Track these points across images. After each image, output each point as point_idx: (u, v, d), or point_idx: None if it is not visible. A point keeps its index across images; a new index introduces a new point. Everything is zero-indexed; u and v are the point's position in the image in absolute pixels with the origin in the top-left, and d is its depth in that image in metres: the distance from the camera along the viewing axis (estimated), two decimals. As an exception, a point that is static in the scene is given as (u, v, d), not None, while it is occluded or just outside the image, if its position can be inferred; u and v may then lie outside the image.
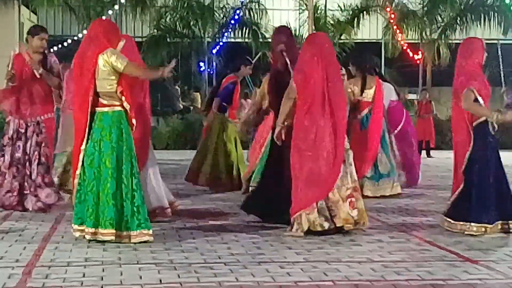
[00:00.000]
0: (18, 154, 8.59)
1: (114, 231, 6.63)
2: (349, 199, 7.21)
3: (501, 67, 24.28)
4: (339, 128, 7.21)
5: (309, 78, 7.21)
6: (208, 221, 8.07)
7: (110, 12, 22.08)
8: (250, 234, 7.31)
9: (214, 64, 23.23)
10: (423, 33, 24.20)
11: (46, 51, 8.80)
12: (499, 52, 25.26)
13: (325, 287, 5.24)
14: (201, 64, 22.70)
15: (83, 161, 6.78)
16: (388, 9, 22.88)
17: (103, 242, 6.62)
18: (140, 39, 23.72)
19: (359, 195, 7.38)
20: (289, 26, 22.34)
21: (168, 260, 6.09)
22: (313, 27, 17.20)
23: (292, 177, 7.21)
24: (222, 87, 10.78)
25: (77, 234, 6.79)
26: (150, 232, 6.77)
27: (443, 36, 24.39)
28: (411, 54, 24.90)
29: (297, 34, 21.74)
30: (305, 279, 5.47)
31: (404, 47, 24.46)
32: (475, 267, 5.94)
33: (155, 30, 22.75)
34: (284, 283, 5.34)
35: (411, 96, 26.65)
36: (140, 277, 5.47)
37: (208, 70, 22.83)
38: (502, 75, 24.02)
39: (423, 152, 19.05)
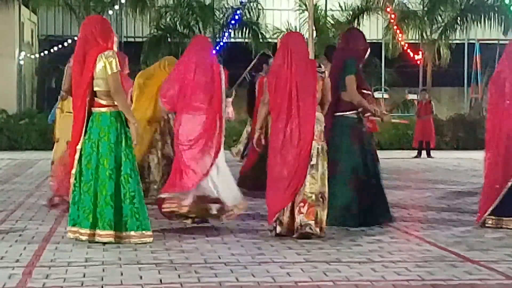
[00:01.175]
0: None
1: (113, 232, 6.63)
2: (300, 204, 6.94)
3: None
4: (305, 131, 6.97)
5: (278, 81, 7.13)
6: (208, 221, 8.05)
7: (110, 12, 22.09)
8: (250, 234, 7.31)
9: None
10: (423, 33, 24.20)
11: None
12: (499, 52, 25.26)
13: (325, 287, 5.24)
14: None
15: (79, 161, 6.78)
16: (388, 9, 22.89)
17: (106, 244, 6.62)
18: (140, 39, 23.74)
19: (319, 204, 7.00)
20: (289, 26, 22.41)
21: (168, 260, 6.09)
22: (313, 28, 17.15)
23: (267, 179, 7.17)
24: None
25: (71, 235, 6.76)
26: (150, 232, 6.77)
27: (443, 36, 24.39)
28: (411, 55, 24.92)
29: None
30: (305, 279, 5.46)
31: (405, 48, 24.47)
32: (476, 267, 5.93)
33: (156, 30, 22.76)
34: (284, 283, 5.34)
35: (411, 96, 26.66)
36: (141, 277, 5.47)
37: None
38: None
39: (423, 152, 19.10)
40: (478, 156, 14.94)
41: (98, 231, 6.65)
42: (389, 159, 16.60)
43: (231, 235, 7.26)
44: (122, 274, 5.59)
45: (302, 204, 6.95)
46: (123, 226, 6.68)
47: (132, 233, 6.69)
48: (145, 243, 6.68)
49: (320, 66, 7.28)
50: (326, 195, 7.11)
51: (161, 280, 5.39)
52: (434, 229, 7.72)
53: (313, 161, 7.01)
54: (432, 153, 19.05)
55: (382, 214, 7.93)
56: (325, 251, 6.48)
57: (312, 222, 6.95)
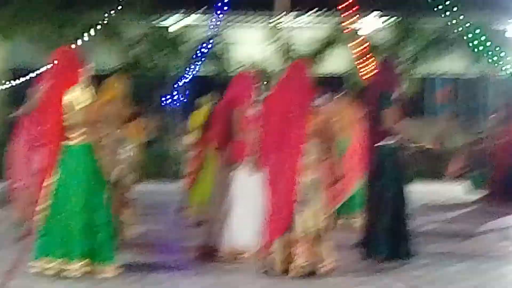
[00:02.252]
0: None
1: (83, 264, 6.62)
2: (299, 243, 6.80)
3: (465, 100, 24.57)
4: (289, 166, 6.85)
5: (269, 110, 7.10)
6: (171, 255, 8.03)
7: (79, 42, 22.02)
8: (213, 268, 7.28)
9: (178, 98, 23.23)
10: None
11: None
12: (461, 86, 25.55)
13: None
14: (165, 97, 22.70)
15: (52, 194, 6.74)
16: (354, 42, 23.09)
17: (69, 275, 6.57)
18: (106, 72, 23.67)
19: (317, 241, 6.85)
20: (256, 60, 22.53)
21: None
22: (280, 60, 17.28)
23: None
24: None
25: (36, 269, 6.70)
26: (116, 266, 6.73)
27: (407, 70, 24.60)
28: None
29: (263, 68, 21.85)
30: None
31: (369, 81, 24.69)
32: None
33: (121, 63, 22.74)
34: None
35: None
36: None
37: (173, 103, 22.81)
38: (466, 108, 24.30)
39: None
40: (437, 188, 15.12)
41: (68, 263, 6.64)
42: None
43: (191, 269, 7.23)
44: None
45: (296, 243, 6.78)
46: (92, 258, 6.67)
47: (101, 265, 6.68)
48: (110, 276, 6.64)
49: (315, 101, 7.09)
50: (327, 230, 6.91)
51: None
52: (399, 263, 7.73)
53: (301, 197, 6.83)
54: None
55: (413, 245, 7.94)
56: (286, 285, 6.49)
57: (306, 263, 6.78)
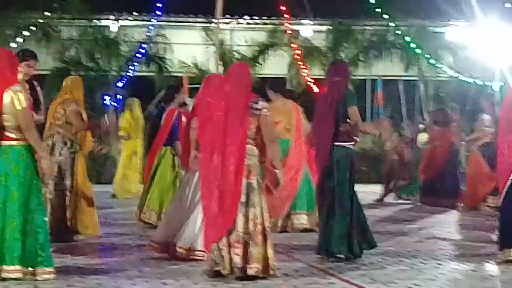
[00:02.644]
0: None
1: (20, 268, 6.49)
2: (235, 245, 6.68)
3: (403, 102, 24.90)
4: (230, 167, 6.73)
5: (208, 111, 7.03)
6: (112, 257, 7.94)
7: (13, 45, 21.70)
8: (156, 269, 7.23)
9: (119, 98, 23.06)
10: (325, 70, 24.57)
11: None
12: (400, 88, 25.87)
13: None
14: (106, 97, 22.50)
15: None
16: (293, 45, 23.19)
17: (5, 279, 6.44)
18: (44, 72, 23.36)
19: (258, 243, 6.73)
20: (195, 61, 22.49)
21: (71, 297, 5.97)
22: (220, 62, 17.23)
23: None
24: (171, 124, 10.46)
25: None
26: (53, 269, 6.63)
27: (346, 72, 24.82)
28: (315, 90, 25.24)
29: (203, 69, 21.81)
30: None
31: (309, 83, 24.83)
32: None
33: (60, 63, 22.47)
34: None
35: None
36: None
37: (113, 104, 22.63)
38: (403, 110, 24.61)
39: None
40: (378, 189, 15.30)
41: (5, 267, 6.48)
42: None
43: (135, 271, 7.17)
44: (22, 312, 5.44)
45: (237, 244, 6.68)
46: (27, 262, 6.53)
47: (35, 269, 6.54)
48: (47, 280, 6.53)
49: (257, 103, 6.94)
50: (268, 232, 6.83)
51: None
52: (339, 262, 7.78)
53: (243, 199, 6.74)
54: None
55: (371, 240, 8.11)
56: (231, 286, 6.46)
57: (249, 264, 6.66)
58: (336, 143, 7.91)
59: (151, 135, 10.97)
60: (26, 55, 8.07)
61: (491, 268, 7.68)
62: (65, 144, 9.03)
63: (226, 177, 6.73)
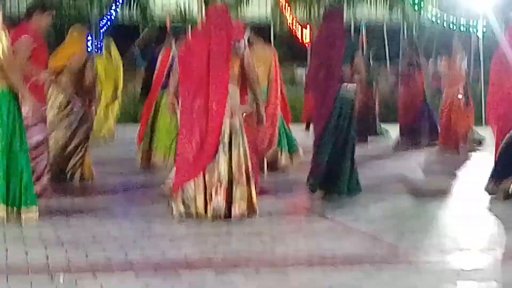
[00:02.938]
0: None
1: (4, 206, 6.48)
2: (217, 185, 6.64)
3: (387, 46, 24.85)
4: (214, 107, 6.70)
5: (191, 53, 6.97)
6: (97, 196, 7.95)
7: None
8: (140, 208, 7.25)
9: (100, 43, 22.89)
10: (311, 13, 24.46)
11: None
12: (385, 32, 25.78)
13: (215, 260, 5.24)
14: (87, 42, 22.32)
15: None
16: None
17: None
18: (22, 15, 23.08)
19: (240, 183, 6.72)
20: (178, 5, 22.28)
21: (55, 236, 5.97)
22: (203, 6, 17.11)
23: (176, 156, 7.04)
24: (167, 65, 10.18)
25: None
26: (36, 209, 6.63)
27: (330, 15, 24.71)
28: (299, 32, 25.14)
29: (186, 12, 21.67)
30: (195, 253, 5.47)
31: (293, 26, 24.72)
32: (362, 237, 6.07)
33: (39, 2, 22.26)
34: (174, 257, 5.32)
35: (300, 71, 26.90)
36: (27, 254, 5.35)
37: (95, 49, 22.48)
38: (387, 54, 24.58)
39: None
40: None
41: None
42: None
43: (119, 210, 7.19)
44: (7, 250, 5.44)
45: (220, 186, 6.66)
46: (11, 202, 6.53)
47: (20, 209, 6.54)
48: (31, 219, 6.53)
49: (239, 42, 6.86)
50: (250, 172, 6.80)
51: (48, 257, 5.27)
52: (322, 201, 7.81)
53: (226, 139, 6.73)
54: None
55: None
56: (215, 224, 6.48)
57: (223, 202, 6.66)
58: (343, 91, 8.04)
59: (148, 78, 10.82)
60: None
61: (470, 204, 7.77)
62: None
63: (210, 117, 6.71)
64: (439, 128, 13.87)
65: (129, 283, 4.60)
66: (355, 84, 8.13)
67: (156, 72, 10.45)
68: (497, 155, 7.99)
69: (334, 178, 7.94)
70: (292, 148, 10.31)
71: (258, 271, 4.93)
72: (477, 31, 19.12)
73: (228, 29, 6.92)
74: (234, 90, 6.85)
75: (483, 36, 19.08)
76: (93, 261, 5.17)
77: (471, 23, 19.61)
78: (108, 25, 22.31)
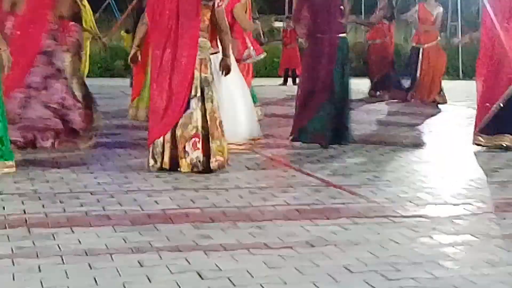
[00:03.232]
0: None
1: None
2: (193, 139, 6.66)
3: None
4: (183, 59, 6.62)
5: (160, 6, 6.80)
6: (74, 151, 7.92)
7: None
8: (117, 163, 7.23)
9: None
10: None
11: None
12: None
13: (193, 214, 5.26)
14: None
15: None
16: None
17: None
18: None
19: (218, 135, 6.71)
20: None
21: (32, 190, 5.96)
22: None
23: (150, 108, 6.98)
24: None
25: None
26: (13, 163, 6.60)
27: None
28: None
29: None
30: (173, 207, 5.47)
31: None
32: (339, 191, 6.10)
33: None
34: (152, 211, 5.33)
35: (278, 24, 26.76)
36: (4, 208, 5.33)
37: None
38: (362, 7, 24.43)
39: (290, 80, 19.38)
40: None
41: None
42: (256, 86, 16.68)
43: (97, 164, 7.17)
44: (-17, 205, 5.43)
45: (196, 139, 6.63)
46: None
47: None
48: (8, 173, 6.51)
49: None
50: (222, 125, 6.76)
51: (25, 211, 5.26)
52: (300, 155, 7.85)
53: (198, 93, 6.67)
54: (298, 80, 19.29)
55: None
56: (193, 179, 6.49)
57: (201, 155, 6.66)
58: (339, 35, 8.33)
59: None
60: None
61: (453, 152, 7.83)
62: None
63: (178, 70, 6.65)
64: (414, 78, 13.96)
65: (106, 237, 4.60)
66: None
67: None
68: (491, 112, 8.07)
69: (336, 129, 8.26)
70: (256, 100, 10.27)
71: (235, 225, 4.96)
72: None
73: None
74: (204, 42, 6.78)
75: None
76: (71, 215, 5.18)
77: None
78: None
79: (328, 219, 5.16)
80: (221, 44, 7.02)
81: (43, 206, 5.41)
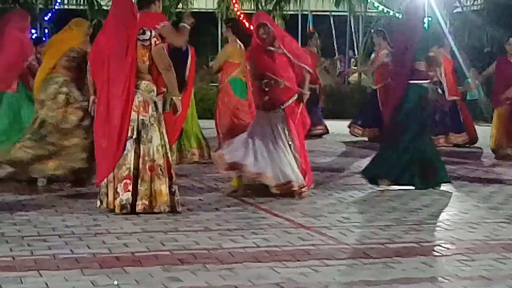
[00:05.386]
0: None
1: None
2: (124, 181, 6.63)
3: (334, 37, 24.98)
4: (114, 103, 6.62)
5: (96, 47, 6.91)
6: (42, 193, 7.85)
7: None
8: (85, 205, 7.17)
9: (46, 31, 22.57)
10: (258, 4, 24.49)
11: None
12: (332, 23, 25.92)
13: (162, 256, 5.22)
14: (33, 31, 22.00)
15: None
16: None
17: None
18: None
19: (147, 178, 6.67)
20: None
21: (0, 233, 5.89)
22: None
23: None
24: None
25: None
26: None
27: (277, 7, 24.76)
28: (247, 24, 25.12)
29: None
30: (142, 249, 5.43)
31: (240, 17, 24.70)
32: (308, 233, 6.09)
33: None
34: (121, 254, 5.28)
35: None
36: (-30, 252, 5.26)
37: (40, 38, 22.18)
38: (335, 45, 24.71)
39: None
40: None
41: None
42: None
43: (65, 207, 7.11)
44: (-51, 249, 5.35)
45: (127, 181, 6.63)
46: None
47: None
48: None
49: (144, 33, 6.72)
50: (165, 168, 6.73)
51: (-8, 254, 5.20)
52: (269, 196, 7.83)
53: (134, 135, 6.65)
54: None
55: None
56: (162, 221, 6.46)
57: (131, 198, 6.64)
58: (411, 82, 8.39)
59: None
60: None
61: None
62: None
63: (118, 112, 6.62)
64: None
65: (74, 280, 4.55)
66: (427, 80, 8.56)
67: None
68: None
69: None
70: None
71: (205, 267, 4.93)
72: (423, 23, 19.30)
73: (132, 21, 6.73)
74: (146, 85, 6.74)
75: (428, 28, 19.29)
76: (39, 258, 5.11)
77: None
78: (52, 13, 22.01)
79: (298, 261, 5.15)
80: (166, 83, 6.87)
81: (10, 249, 5.34)
